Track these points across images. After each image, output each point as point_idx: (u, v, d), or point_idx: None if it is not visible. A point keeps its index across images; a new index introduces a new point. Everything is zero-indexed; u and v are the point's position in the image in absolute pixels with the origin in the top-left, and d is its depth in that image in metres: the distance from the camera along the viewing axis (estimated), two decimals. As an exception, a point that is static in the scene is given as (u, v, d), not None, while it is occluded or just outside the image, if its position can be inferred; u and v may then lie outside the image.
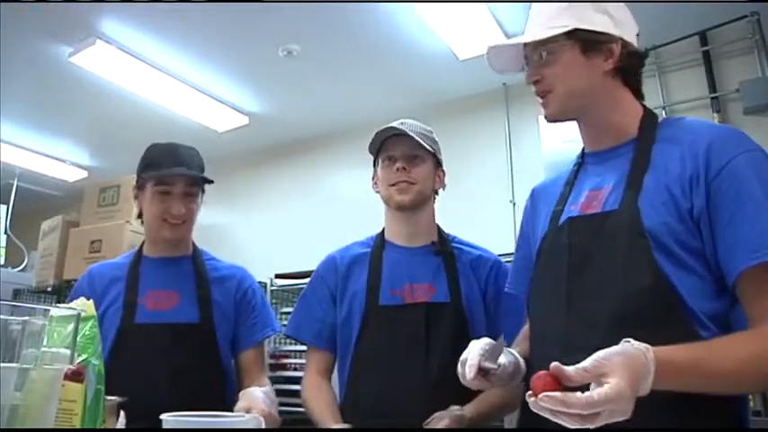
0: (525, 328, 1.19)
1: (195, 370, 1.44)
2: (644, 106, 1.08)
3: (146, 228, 1.59)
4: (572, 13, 1.01)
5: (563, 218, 1.06)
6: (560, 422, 0.69)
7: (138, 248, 1.61)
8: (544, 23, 1.03)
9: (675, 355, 0.78)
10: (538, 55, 1.04)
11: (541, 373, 0.72)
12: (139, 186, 1.57)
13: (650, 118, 1.06)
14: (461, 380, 0.93)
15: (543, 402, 0.69)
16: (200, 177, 1.53)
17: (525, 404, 1.06)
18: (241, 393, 1.25)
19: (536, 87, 1.06)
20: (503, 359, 0.95)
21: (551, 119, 1.08)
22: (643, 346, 0.75)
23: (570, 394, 0.68)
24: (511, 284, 1.24)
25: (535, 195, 1.23)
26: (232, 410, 1.14)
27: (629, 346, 0.75)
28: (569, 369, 0.71)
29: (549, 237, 1.08)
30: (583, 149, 1.15)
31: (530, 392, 0.71)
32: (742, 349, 0.83)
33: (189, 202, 1.53)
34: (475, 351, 0.93)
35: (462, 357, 0.94)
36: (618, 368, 0.71)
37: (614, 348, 0.74)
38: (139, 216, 1.61)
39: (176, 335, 1.45)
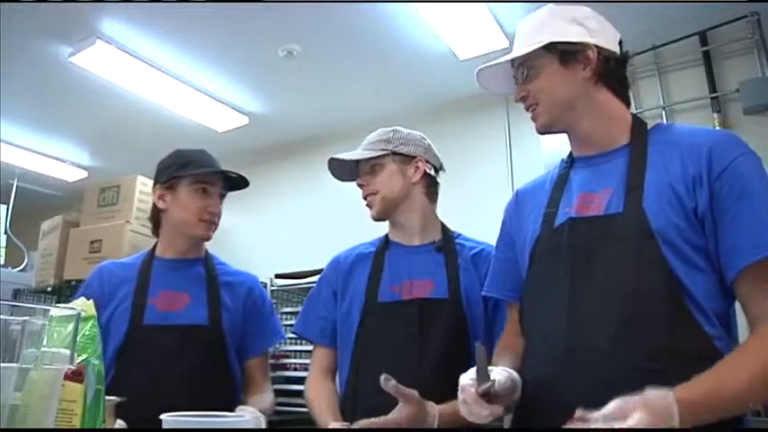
0: (506, 340, 1.18)
1: (204, 372, 1.44)
2: (632, 114, 1.11)
3: (169, 227, 1.58)
4: (548, 29, 1.07)
5: (559, 219, 1.06)
6: None
7: (151, 249, 1.61)
8: (524, 42, 1.09)
9: (693, 393, 0.78)
10: (521, 73, 1.10)
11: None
12: (169, 186, 1.55)
13: (640, 124, 1.09)
14: (475, 420, 0.90)
15: None
16: (232, 179, 1.59)
17: (518, 408, 1.06)
18: (237, 410, 1.27)
19: (524, 103, 1.11)
20: (495, 375, 0.92)
21: (542, 131, 1.12)
22: (664, 390, 0.76)
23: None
24: (491, 287, 1.23)
25: (520, 197, 1.23)
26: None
27: (650, 391, 0.76)
28: (594, 414, 0.73)
29: (544, 238, 1.08)
30: (570, 153, 1.17)
31: None
32: (751, 365, 0.83)
33: (221, 202, 1.58)
34: (467, 387, 0.90)
35: (460, 399, 0.91)
36: (639, 406, 0.73)
37: (635, 394, 0.76)
38: (153, 218, 1.61)
39: (185, 336, 1.46)
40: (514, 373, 0.99)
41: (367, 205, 1.48)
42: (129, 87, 3.37)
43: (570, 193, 1.09)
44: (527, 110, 1.11)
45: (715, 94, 2.84)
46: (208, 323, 1.49)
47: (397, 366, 1.30)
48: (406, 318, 1.35)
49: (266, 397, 1.52)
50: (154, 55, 3.10)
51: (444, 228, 1.52)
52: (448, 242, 1.47)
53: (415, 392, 1.09)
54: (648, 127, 1.08)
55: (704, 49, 2.91)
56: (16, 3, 2.54)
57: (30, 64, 3.13)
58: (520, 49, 1.09)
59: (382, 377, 1.02)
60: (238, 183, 1.61)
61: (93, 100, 3.55)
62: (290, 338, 3.42)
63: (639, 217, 0.94)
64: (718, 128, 2.75)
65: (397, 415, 1.09)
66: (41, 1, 2.53)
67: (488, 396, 0.88)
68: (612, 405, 0.73)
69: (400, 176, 1.45)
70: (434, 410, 1.13)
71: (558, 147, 1.21)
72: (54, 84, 3.35)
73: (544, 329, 1.02)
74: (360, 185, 1.49)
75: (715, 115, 2.82)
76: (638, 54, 2.92)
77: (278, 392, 3.42)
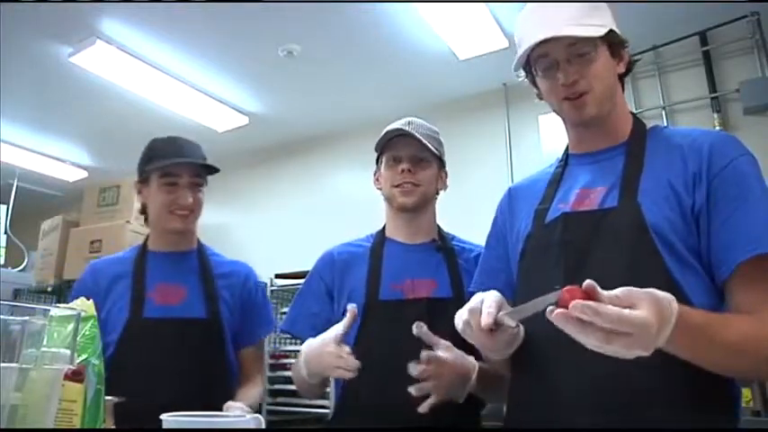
0: None
1: (203, 365, 1.44)
2: (632, 113, 1.10)
3: (152, 222, 1.58)
4: (600, 15, 1.02)
5: (552, 215, 1.05)
6: (580, 339, 0.70)
7: (143, 244, 1.60)
8: (576, 22, 0.99)
9: (689, 314, 0.78)
10: (572, 54, 0.99)
11: (572, 287, 0.71)
12: (143, 180, 1.57)
13: (639, 123, 1.08)
14: (463, 333, 0.90)
15: (576, 311, 0.68)
16: (205, 165, 1.53)
17: (515, 407, 1.06)
18: (225, 406, 1.24)
19: (573, 89, 1.00)
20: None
21: (589, 120, 1.03)
22: (669, 295, 0.75)
23: (603, 305, 0.68)
24: (479, 285, 1.19)
25: (513, 195, 1.22)
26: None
27: (657, 291, 0.75)
28: (602, 291, 0.71)
29: (534, 235, 1.07)
30: (566, 151, 1.15)
31: (552, 308, 0.71)
32: (745, 326, 0.83)
33: (196, 192, 1.53)
34: (491, 301, 0.87)
35: (472, 306, 0.89)
36: (647, 302, 0.72)
37: (643, 289, 0.74)
38: (143, 212, 1.61)
39: (185, 330, 1.45)
40: (522, 328, 0.95)
41: (401, 191, 1.42)
42: (129, 87, 3.37)
43: (566, 190, 1.08)
44: (572, 98, 1.01)
45: (715, 95, 2.85)
46: (207, 316, 1.49)
47: (402, 366, 1.30)
48: (411, 317, 1.33)
49: (253, 391, 1.51)
50: (154, 55, 3.11)
51: (439, 229, 1.51)
52: (445, 242, 1.46)
53: (447, 342, 1.12)
54: (647, 127, 1.08)
55: (704, 49, 2.91)
56: (16, 3, 2.54)
57: (30, 64, 3.13)
58: (579, 29, 0.98)
59: (415, 324, 1.03)
60: (210, 168, 1.56)
61: (93, 100, 3.56)
62: (290, 338, 3.42)
63: (634, 211, 0.94)
64: (718, 128, 2.76)
65: (443, 353, 1.14)
66: (41, 1, 2.54)
67: (496, 327, 0.86)
68: (621, 291, 0.72)
69: (436, 179, 1.47)
70: (472, 360, 1.17)
71: (558, 146, 1.21)
72: (54, 84, 3.36)
73: (540, 327, 1.01)
74: (406, 170, 1.41)
75: (715, 115, 2.82)
76: (638, 54, 2.93)
77: (278, 392, 3.43)
